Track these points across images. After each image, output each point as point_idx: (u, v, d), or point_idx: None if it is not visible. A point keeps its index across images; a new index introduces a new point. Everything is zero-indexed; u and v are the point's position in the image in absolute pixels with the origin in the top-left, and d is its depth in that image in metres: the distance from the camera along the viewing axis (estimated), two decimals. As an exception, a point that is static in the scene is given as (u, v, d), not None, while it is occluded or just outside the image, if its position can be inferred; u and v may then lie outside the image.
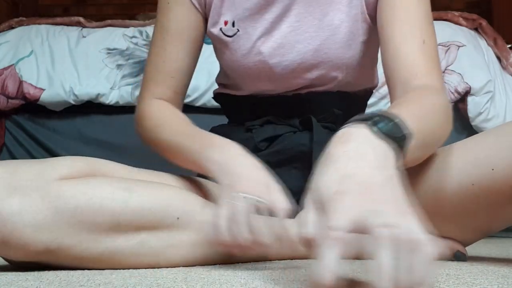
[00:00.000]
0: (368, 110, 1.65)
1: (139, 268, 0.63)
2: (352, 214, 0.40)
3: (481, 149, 0.70)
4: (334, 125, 0.89)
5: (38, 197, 0.58)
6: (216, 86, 0.99)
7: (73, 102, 1.70)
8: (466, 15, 1.86)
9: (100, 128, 1.74)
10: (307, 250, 0.43)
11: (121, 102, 1.69)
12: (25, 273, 0.59)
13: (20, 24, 1.90)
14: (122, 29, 1.83)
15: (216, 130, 0.90)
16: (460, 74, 1.65)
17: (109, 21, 1.93)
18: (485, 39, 1.82)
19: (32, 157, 1.71)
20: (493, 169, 0.67)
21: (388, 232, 0.38)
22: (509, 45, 1.87)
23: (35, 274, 0.58)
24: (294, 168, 0.86)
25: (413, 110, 0.62)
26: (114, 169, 0.69)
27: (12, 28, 1.89)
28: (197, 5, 0.86)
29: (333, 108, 0.89)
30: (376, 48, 0.92)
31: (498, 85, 1.69)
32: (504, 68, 1.79)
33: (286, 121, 0.89)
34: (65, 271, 0.61)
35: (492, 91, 1.65)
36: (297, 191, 0.72)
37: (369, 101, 0.99)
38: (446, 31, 1.75)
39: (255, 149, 0.84)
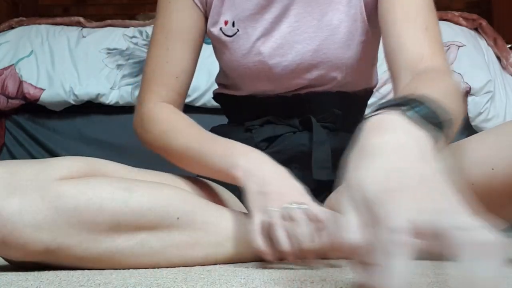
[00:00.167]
0: (368, 110, 1.65)
1: (139, 268, 0.63)
2: (410, 214, 0.35)
3: (481, 149, 0.70)
4: (333, 125, 0.89)
5: (38, 197, 0.58)
6: (216, 86, 0.99)
7: (73, 102, 1.70)
8: (466, 15, 1.86)
9: (100, 128, 1.74)
10: (352, 256, 0.38)
11: (121, 102, 1.69)
12: (25, 273, 0.59)
13: (20, 24, 1.90)
14: (122, 29, 1.84)
15: (216, 130, 0.89)
16: (460, 74, 1.65)
17: (109, 21, 1.93)
18: (485, 39, 1.82)
19: (32, 157, 1.71)
20: (493, 169, 0.67)
21: (465, 236, 0.34)
22: (509, 45, 1.87)
23: (35, 274, 0.58)
24: (294, 168, 0.86)
25: (435, 91, 0.55)
26: (114, 169, 0.69)
27: (12, 28, 1.90)
28: (198, 4, 0.86)
29: (333, 108, 0.89)
30: (375, 48, 0.92)
31: (498, 85, 1.69)
32: (504, 68, 1.79)
33: (286, 121, 0.89)
34: (65, 271, 0.61)
35: (492, 91, 1.65)
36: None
37: (369, 101, 0.99)
38: (446, 31, 1.75)
39: (255, 150, 0.84)
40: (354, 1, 0.84)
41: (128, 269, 0.63)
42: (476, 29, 1.85)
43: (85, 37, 1.81)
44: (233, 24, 0.86)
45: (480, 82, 1.64)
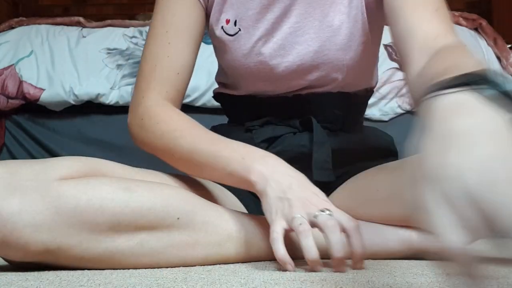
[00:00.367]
0: (368, 111, 1.66)
1: (139, 268, 0.63)
2: None
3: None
4: (334, 126, 0.89)
5: (38, 197, 0.58)
6: (216, 86, 0.99)
7: (73, 102, 1.70)
8: (466, 15, 1.86)
9: (100, 128, 1.74)
10: (454, 266, 0.34)
11: (121, 102, 1.69)
12: (25, 273, 0.59)
13: (20, 24, 1.90)
14: (122, 29, 1.84)
15: (216, 129, 0.89)
16: (460, 74, 1.65)
17: (109, 21, 1.93)
18: (485, 39, 1.82)
19: (32, 157, 1.71)
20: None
21: None
22: (509, 45, 1.87)
23: (35, 274, 0.58)
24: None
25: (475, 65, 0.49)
26: (114, 169, 0.69)
27: (12, 28, 1.89)
28: (201, 0, 0.85)
29: (333, 108, 0.89)
30: (376, 48, 0.92)
31: (498, 85, 1.69)
32: (504, 68, 1.79)
33: (286, 121, 0.89)
34: (65, 271, 0.61)
35: (492, 91, 1.65)
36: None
37: (369, 101, 0.99)
38: (446, 31, 1.75)
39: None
40: (355, 2, 0.83)
41: (128, 269, 0.63)
42: (476, 29, 1.85)
43: (85, 37, 1.81)
44: (235, 23, 0.85)
45: (480, 82, 1.64)
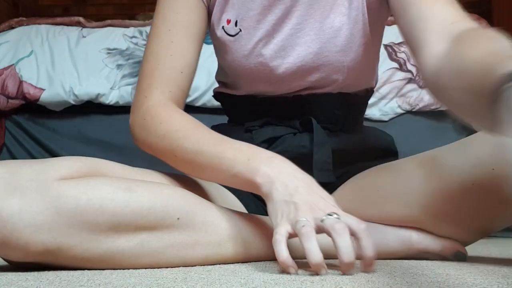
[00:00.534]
0: (368, 111, 1.65)
1: (139, 268, 0.63)
2: None
3: (481, 149, 0.70)
4: (334, 126, 0.89)
5: (38, 197, 0.58)
6: (216, 85, 0.99)
7: (73, 102, 1.70)
8: (466, 15, 1.86)
9: (100, 128, 1.74)
10: None
11: (121, 102, 1.69)
12: (25, 273, 0.59)
13: (20, 24, 1.90)
14: (122, 29, 1.84)
15: (216, 129, 0.89)
16: (460, 74, 1.65)
17: (109, 21, 1.93)
18: (485, 39, 1.82)
19: (32, 157, 1.71)
20: (493, 169, 0.67)
21: None
22: (509, 45, 1.86)
23: (35, 274, 0.58)
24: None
25: None
26: (114, 169, 0.69)
27: (12, 28, 1.89)
28: None
29: (333, 109, 0.89)
30: (376, 48, 0.92)
31: (498, 85, 1.69)
32: (504, 68, 1.78)
33: (286, 122, 0.89)
34: (65, 271, 0.61)
35: (492, 91, 1.65)
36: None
37: (369, 101, 0.99)
38: (446, 31, 1.75)
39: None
40: (355, 3, 0.83)
41: (128, 269, 0.63)
42: (476, 29, 1.85)
43: (85, 37, 1.81)
44: (236, 24, 0.85)
45: (480, 82, 1.64)
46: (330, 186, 0.83)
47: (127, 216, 0.61)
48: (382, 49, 1.67)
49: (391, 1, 0.77)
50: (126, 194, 0.62)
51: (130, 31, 1.82)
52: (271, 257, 0.73)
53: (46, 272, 0.59)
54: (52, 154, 1.71)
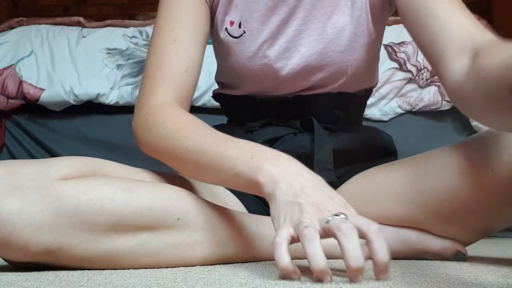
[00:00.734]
0: (368, 111, 1.66)
1: (139, 268, 0.63)
2: None
3: (481, 150, 0.70)
4: (334, 126, 0.89)
5: (38, 197, 0.58)
6: (216, 86, 0.99)
7: (73, 102, 1.70)
8: (466, 15, 1.86)
9: (100, 128, 1.74)
10: None
11: (121, 102, 1.69)
12: (25, 273, 0.59)
13: (20, 24, 1.90)
14: (122, 29, 1.84)
15: (216, 129, 0.89)
16: (460, 74, 1.65)
17: (109, 21, 1.93)
18: (485, 39, 1.82)
19: (32, 157, 1.71)
20: (493, 170, 0.67)
21: None
22: (509, 45, 1.86)
23: (35, 274, 0.58)
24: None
25: None
26: (114, 169, 0.68)
27: (12, 28, 1.89)
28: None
29: (334, 108, 0.89)
30: (378, 48, 0.92)
31: (498, 85, 1.69)
32: (504, 68, 1.78)
33: (287, 122, 0.89)
34: (65, 271, 0.61)
35: (492, 91, 1.65)
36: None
37: (369, 101, 1.00)
38: (446, 31, 1.74)
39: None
40: (358, 4, 0.83)
41: (128, 269, 0.63)
42: (476, 29, 1.85)
43: (85, 37, 1.81)
44: (240, 25, 0.85)
45: (480, 82, 1.64)
46: (330, 186, 0.83)
47: (127, 216, 0.61)
48: (382, 49, 1.67)
49: (401, 9, 0.77)
50: (126, 194, 0.61)
51: (130, 31, 1.82)
52: (272, 257, 0.72)
53: (46, 272, 0.59)
54: (52, 154, 1.71)
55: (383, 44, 1.66)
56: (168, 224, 0.64)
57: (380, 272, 0.50)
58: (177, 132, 0.70)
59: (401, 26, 1.69)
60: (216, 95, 0.97)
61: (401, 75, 1.69)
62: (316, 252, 0.48)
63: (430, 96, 1.66)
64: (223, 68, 0.93)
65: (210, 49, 0.95)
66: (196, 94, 1.67)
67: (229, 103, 0.94)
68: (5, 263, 0.65)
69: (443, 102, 1.65)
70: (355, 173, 0.86)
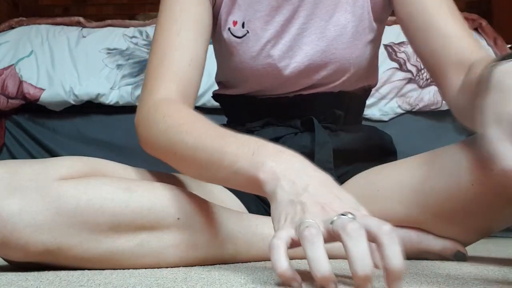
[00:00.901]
0: (367, 111, 1.66)
1: (139, 268, 0.63)
2: None
3: (480, 150, 0.70)
4: (334, 126, 0.89)
5: (38, 197, 0.58)
6: (216, 86, 0.99)
7: (73, 102, 1.70)
8: (466, 15, 1.86)
9: (100, 128, 1.74)
10: None
11: (121, 102, 1.69)
12: (25, 273, 0.59)
13: (20, 24, 1.90)
14: (122, 29, 1.84)
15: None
16: (460, 74, 1.65)
17: (109, 21, 1.93)
18: (485, 39, 1.82)
19: (32, 157, 1.71)
20: (492, 170, 0.67)
21: None
22: (509, 45, 1.87)
23: (35, 274, 0.58)
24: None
25: None
26: (114, 169, 0.68)
27: (12, 28, 1.89)
28: None
29: (334, 108, 0.89)
30: (378, 47, 0.93)
31: (498, 85, 1.69)
32: (504, 68, 1.78)
33: (287, 122, 0.89)
34: (65, 271, 0.61)
35: (492, 91, 1.65)
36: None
37: (369, 101, 1.00)
38: (446, 31, 1.75)
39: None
40: (360, 2, 0.84)
41: (128, 269, 0.63)
42: (476, 29, 1.85)
43: (85, 37, 1.81)
44: (243, 25, 0.85)
45: (480, 82, 1.64)
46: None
47: (127, 216, 0.61)
48: (382, 49, 1.67)
49: (400, 16, 0.80)
50: (126, 194, 0.61)
51: (130, 31, 1.82)
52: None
53: (46, 272, 0.59)
54: (52, 154, 1.71)
55: (383, 44, 1.66)
56: (168, 224, 0.64)
57: (392, 281, 0.43)
58: (177, 127, 0.66)
59: (401, 26, 1.69)
60: (216, 96, 0.97)
61: (401, 75, 1.69)
62: (319, 256, 0.43)
63: (430, 96, 1.67)
64: (225, 68, 0.93)
65: (210, 48, 0.95)
66: (196, 94, 1.67)
67: (229, 103, 0.95)
68: (5, 263, 0.65)
69: (443, 102, 1.65)
70: (355, 173, 0.86)
